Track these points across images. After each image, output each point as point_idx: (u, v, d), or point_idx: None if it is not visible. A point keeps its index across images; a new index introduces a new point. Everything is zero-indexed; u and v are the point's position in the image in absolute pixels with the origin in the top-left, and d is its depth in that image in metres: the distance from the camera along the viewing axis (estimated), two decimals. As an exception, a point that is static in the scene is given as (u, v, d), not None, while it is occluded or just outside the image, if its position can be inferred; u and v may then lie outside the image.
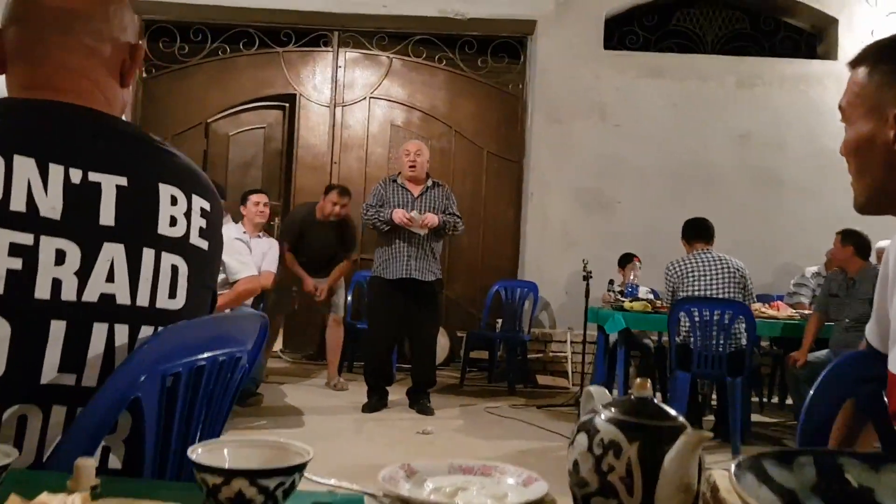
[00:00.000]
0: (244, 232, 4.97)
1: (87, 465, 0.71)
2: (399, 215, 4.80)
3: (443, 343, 6.32)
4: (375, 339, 5.08)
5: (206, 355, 1.05)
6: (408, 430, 4.54)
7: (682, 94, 6.73)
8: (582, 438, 0.71)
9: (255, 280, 4.30)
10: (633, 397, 0.74)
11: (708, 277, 4.71)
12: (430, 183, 5.06)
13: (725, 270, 4.71)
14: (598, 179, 6.71)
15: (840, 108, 1.22)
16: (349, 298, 6.17)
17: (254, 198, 5.27)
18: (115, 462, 0.97)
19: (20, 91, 1.03)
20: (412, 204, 4.96)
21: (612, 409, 0.72)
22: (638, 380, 0.74)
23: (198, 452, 0.71)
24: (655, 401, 0.74)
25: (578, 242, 6.49)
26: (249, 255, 4.36)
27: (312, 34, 6.91)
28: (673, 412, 0.73)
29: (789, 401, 5.50)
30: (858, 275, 4.65)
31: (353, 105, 6.98)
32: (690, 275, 4.73)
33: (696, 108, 6.73)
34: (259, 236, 5.25)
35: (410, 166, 4.99)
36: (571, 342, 6.56)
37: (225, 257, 4.15)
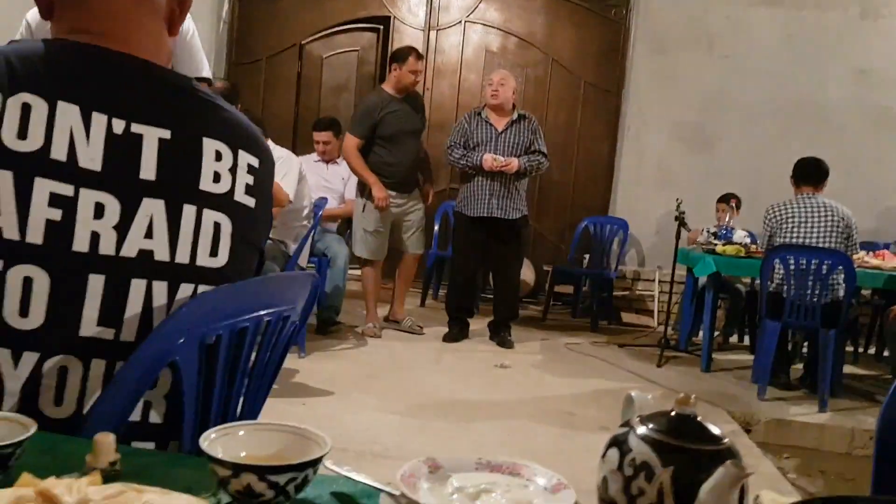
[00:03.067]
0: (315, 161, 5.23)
1: (107, 441, 0.71)
2: (489, 162, 4.73)
3: (528, 276, 6.27)
4: (458, 271, 5.10)
5: (248, 316, 1.03)
6: (486, 363, 4.57)
7: (797, 25, 6.25)
8: (613, 454, 0.66)
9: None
10: (673, 413, 0.67)
11: (809, 224, 4.44)
12: (515, 116, 4.92)
13: (829, 218, 4.42)
14: (701, 115, 6.38)
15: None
16: (436, 228, 6.18)
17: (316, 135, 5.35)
18: (155, 417, 0.98)
19: (67, 34, 1.01)
20: (496, 140, 4.85)
21: (649, 426, 0.66)
22: (681, 395, 0.67)
23: (210, 438, 0.69)
24: (699, 419, 0.67)
25: (675, 180, 6.24)
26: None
27: (408, -46, 6.74)
28: (717, 432, 0.66)
29: (887, 353, 5.23)
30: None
31: (447, 29, 6.81)
32: (791, 220, 4.48)
33: (812, 40, 6.24)
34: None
35: (493, 95, 4.88)
36: (660, 282, 6.39)
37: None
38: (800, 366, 4.82)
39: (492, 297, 5.45)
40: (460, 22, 6.80)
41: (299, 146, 6.10)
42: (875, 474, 1.34)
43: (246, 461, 0.67)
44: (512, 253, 5.04)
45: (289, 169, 4.10)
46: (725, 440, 0.65)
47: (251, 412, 1.11)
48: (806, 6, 6.24)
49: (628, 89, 6.58)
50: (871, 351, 5.75)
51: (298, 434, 0.74)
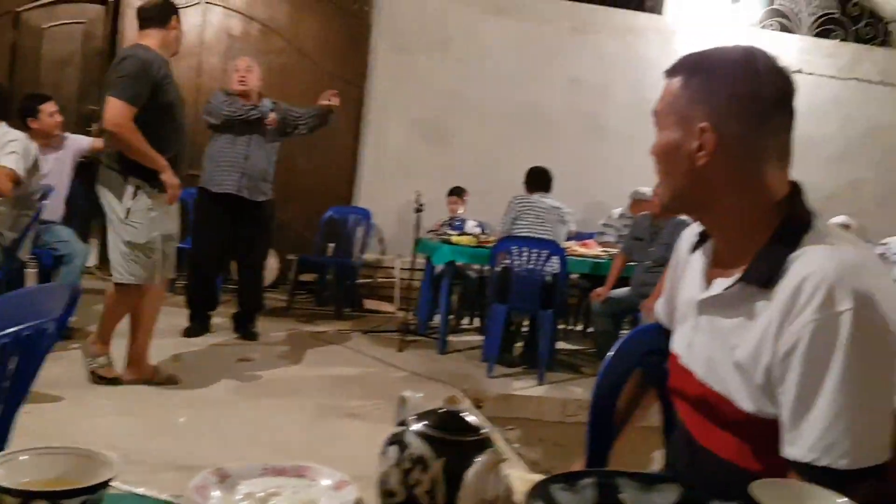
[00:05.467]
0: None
1: None
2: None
3: (272, 265, 6.24)
4: (200, 256, 4.87)
5: (6, 332, 0.99)
6: (230, 357, 4.49)
7: (522, 35, 6.87)
8: (393, 451, 0.76)
9: None
10: (443, 410, 0.79)
11: (539, 220, 5.02)
12: (264, 103, 4.87)
13: (553, 216, 5.05)
14: (438, 112, 6.77)
15: (654, 112, 1.31)
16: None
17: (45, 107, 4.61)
18: None
19: None
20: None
21: (423, 423, 0.77)
22: (450, 395, 0.79)
23: (-5, 469, 0.68)
24: (463, 415, 0.79)
25: (414, 173, 6.56)
26: None
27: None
28: (479, 425, 0.78)
29: (591, 329, 5.98)
30: (665, 223, 5.06)
31: (187, 8, 6.48)
32: (524, 216, 5.02)
33: (534, 49, 6.91)
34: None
35: (240, 81, 4.80)
36: (401, 269, 6.70)
37: None
38: (521, 344, 5.36)
39: (235, 288, 5.35)
40: (200, 3, 6.53)
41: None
42: (589, 438, 1.60)
43: (32, 487, 0.67)
44: (259, 239, 4.98)
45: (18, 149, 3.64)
46: (484, 430, 0.78)
47: (4, 426, 1.06)
48: (528, 18, 6.88)
49: (371, 83, 6.79)
50: (579, 328, 6.53)
51: (83, 455, 0.74)
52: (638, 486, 0.76)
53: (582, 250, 5.45)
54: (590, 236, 6.23)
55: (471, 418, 0.79)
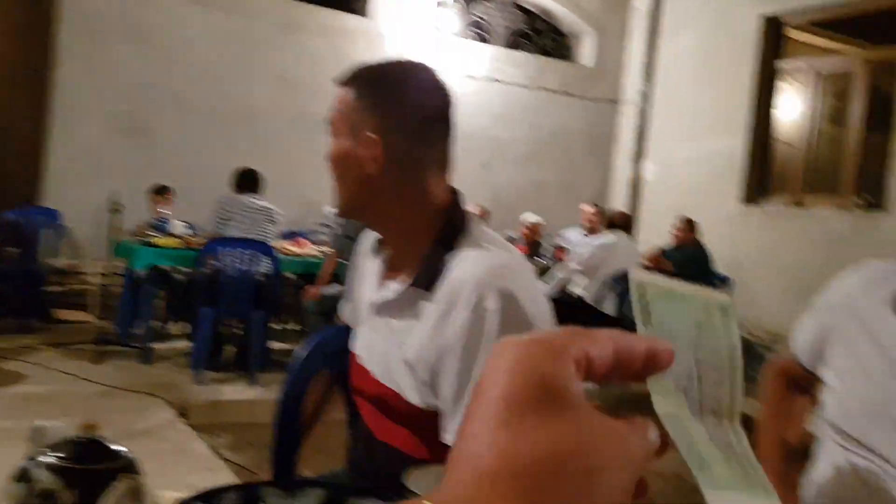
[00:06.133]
0: None
1: None
2: None
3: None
4: None
5: None
6: None
7: (230, 28, 6.67)
8: (19, 488, 0.70)
9: None
10: (77, 439, 0.74)
11: (249, 221, 4.91)
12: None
13: (265, 216, 4.97)
14: (137, 106, 6.33)
15: (329, 120, 1.35)
16: None
17: None
18: None
19: None
20: None
21: (55, 454, 0.72)
22: (86, 422, 0.74)
23: None
24: (102, 441, 0.75)
25: (110, 170, 6.08)
26: None
27: None
28: (118, 450, 0.75)
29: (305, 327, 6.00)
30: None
31: None
32: (235, 215, 4.88)
33: (242, 44, 6.73)
34: None
35: None
36: (101, 275, 6.17)
37: None
38: (233, 347, 5.22)
39: None
40: None
41: None
42: (276, 441, 1.61)
43: None
44: None
45: None
46: (125, 455, 0.75)
47: None
48: (236, 11, 6.69)
49: (58, 71, 6.15)
50: (297, 327, 6.50)
51: None
52: (281, 493, 0.78)
53: (295, 249, 5.46)
54: (303, 235, 6.24)
55: (112, 445, 0.75)
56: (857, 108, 6.22)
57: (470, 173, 7.65)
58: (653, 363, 0.38)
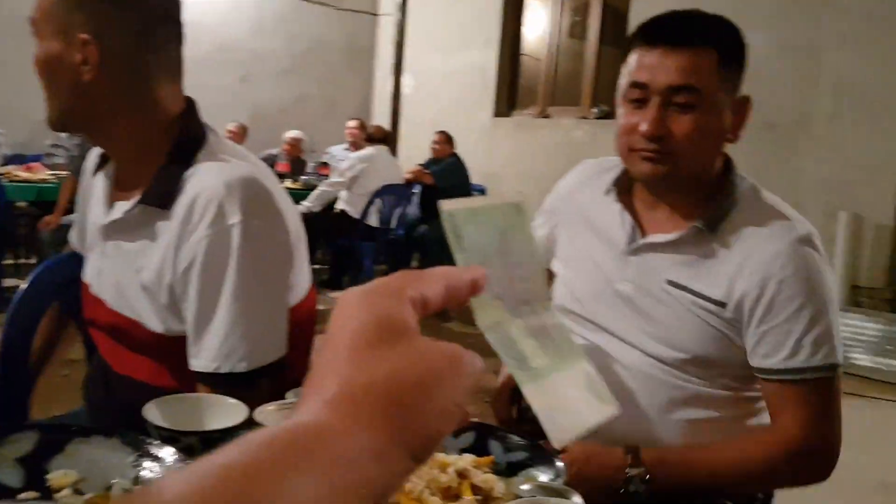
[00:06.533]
0: None
1: None
2: None
3: None
4: None
5: None
6: None
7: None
8: None
9: None
10: None
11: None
12: None
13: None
14: None
15: (31, 20, 1.17)
16: None
17: None
18: None
19: None
20: None
21: None
22: None
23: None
24: None
25: None
26: None
27: None
28: None
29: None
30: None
31: None
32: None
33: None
34: None
35: None
36: None
37: None
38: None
39: None
40: None
41: None
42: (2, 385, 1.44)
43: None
44: None
45: None
46: None
47: None
48: None
49: None
50: (33, 261, 5.88)
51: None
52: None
53: (25, 174, 4.90)
54: (36, 158, 5.59)
55: None
56: (594, 24, 6.66)
57: (229, 88, 7.25)
58: (474, 289, 0.43)
